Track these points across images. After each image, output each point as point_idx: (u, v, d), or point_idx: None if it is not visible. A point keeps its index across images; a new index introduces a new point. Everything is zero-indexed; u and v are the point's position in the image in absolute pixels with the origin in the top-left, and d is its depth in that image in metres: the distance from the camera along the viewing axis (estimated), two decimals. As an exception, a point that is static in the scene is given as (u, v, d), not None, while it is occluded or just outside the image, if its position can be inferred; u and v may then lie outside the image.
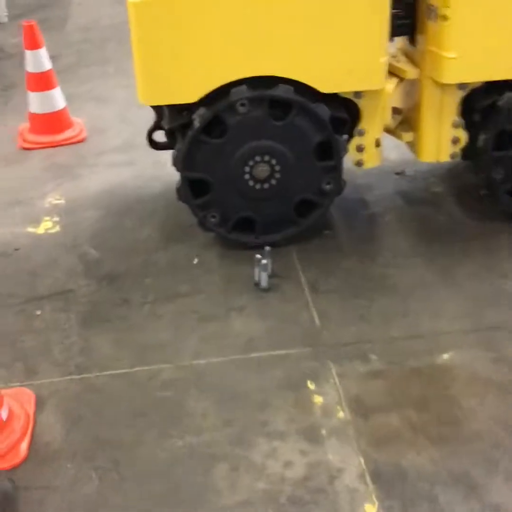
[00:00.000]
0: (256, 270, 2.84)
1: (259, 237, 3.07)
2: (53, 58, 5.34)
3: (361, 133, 3.00)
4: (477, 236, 3.15)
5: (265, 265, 2.82)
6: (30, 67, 4.01)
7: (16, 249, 3.13)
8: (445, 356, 2.51)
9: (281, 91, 2.77)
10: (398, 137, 3.19)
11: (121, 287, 2.89)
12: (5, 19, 6.01)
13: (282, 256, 3.04)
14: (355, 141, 3.02)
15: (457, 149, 3.09)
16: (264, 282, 2.84)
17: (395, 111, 3.19)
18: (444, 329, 2.63)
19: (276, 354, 2.53)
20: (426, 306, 2.75)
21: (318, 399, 2.35)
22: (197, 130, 2.80)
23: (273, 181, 2.94)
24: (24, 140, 4.08)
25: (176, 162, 2.89)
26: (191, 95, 2.76)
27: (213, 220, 3.01)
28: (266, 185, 2.95)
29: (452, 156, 3.10)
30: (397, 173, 3.65)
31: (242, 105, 2.77)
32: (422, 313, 2.71)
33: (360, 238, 3.18)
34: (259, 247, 3.03)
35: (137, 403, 2.36)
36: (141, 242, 3.17)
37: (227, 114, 2.79)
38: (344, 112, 2.93)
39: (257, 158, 2.88)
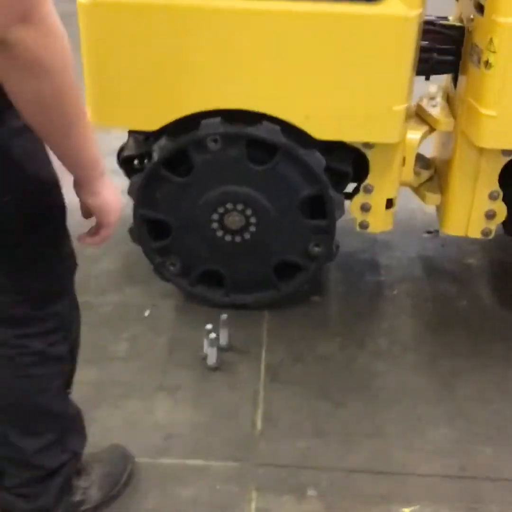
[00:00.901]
0: (205, 343, 2.32)
1: (229, 296, 2.53)
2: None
3: (368, 190, 2.39)
4: (505, 335, 2.50)
5: (215, 339, 2.28)
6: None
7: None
8: (406, 511, 1.92)
9: (263, 131, 2.20)
10: (422, 197, 2.56)
11: (49, 334, 2.42)
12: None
13: (249, 323, 2.49)
14: (360, 198, 2.41)
15: (492, 225, 2.43)
16: (212, 359, 2.30)
17: (424, 164, 2.56)
18: (418, 468, 2.00)
19: (191, 465, 1.99)
20: (405, 428, 2.12)
21: (218, 546, 1.82)
22: (155, 164, 2.27)
23: (247, 235, 2.38)
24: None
25: (131, 195, 2.38)
26: (150, 122, 2.23)
27: (172, 268, 2.49)
28: (238, 238, 2.40)
29: (485, 233, 2.44)
30: (429, 232, 3.01)
31: (214, 141, 2.22)
32: (397, 437, 2.09)
33: (354, 313, 2.58)
34: (228, 306, 2.51)
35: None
36: (93, 278, 2.68)
37: (194, 149, 2.25)
38: (345, 164, 2.33)
39: (228, 206, 2.33)
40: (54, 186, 1.47)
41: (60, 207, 1.51)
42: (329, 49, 2.06)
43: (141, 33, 2.11)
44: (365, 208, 2.42)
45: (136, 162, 2.48)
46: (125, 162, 2.46)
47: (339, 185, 2.36)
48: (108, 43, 2.11)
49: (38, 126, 1.21)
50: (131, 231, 2.44)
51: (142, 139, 2.40)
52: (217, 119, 2.19)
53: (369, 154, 2.31)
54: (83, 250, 2.78)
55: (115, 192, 1.42)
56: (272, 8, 2.02)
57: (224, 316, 2.34)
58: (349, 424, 2.13)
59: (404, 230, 2.99)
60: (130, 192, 2.36)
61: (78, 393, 2.17)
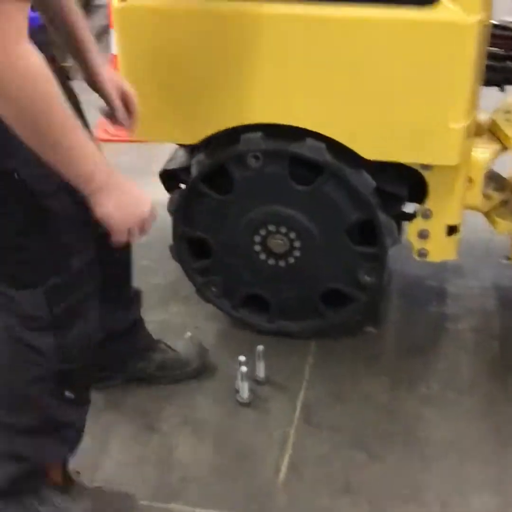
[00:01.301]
0: (238, 376, 2.15)
1: (274, 322, 2.35)
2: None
3: (427, 216, 2.13)
4: None
5: (247, 373, 2.11)
6: (114, 49, 3.49)
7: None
8: None
9: (307, 149, 2.00)
10: (492, 224, 2.28)
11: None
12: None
13: (293, 354, 2.30)
14: (417, 224, 2.16)
15: None
16: (243, 394, 2.13)
17: (497, 186, 2.28)
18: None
19: (200, 515, 1.85)
20: (446, 492, 1.86)
21: None
22: (194, 180, 2.12)
23: (292, 260, 2.19)
24: (103, 130, 3.60)
25: (170, 212, 2.24)
26: (188, 135, 2.08)
27: (214, 290, 2.34)
28: (282, 263, 2.21)
29: (562, 268, 2.14)
30: (508, 258, 2.68)
31: (255, 157, 2.04)
32: (435, 502, 1.83)
33: (410, 349, 2.33)
34: (273, 333, 2.34)
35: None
36: (143, 293, 2.56)
37: (234, 166, 2.08)
38: (399, 186, 2.09)
39: (271, 228, 2.15)
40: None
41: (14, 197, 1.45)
42: (376, 58, 1.82)
43: (178, 42, 1.96)
44: (423, 235, 2.17)
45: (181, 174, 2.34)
46: (166, 176, 2.30)
47: (392, 208, 2.12)
48: (144, 51, 1.97)
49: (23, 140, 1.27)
50: (172, 248, 2.30)
51: (188, 152, 2.25)
52: (258, 134, 2.01)
53: (427, 175, 2.06)
54: (142, 261, 2.72)
55: (122, 204, 1.37)
56: (312, 14, 1.82)
57: (260, 347, 2.17)
58: (383, 482, 1.90)
59: (479, 255, 2.70)
60: (169, 208, 2.23)
61: (97, 421, 2.07)
